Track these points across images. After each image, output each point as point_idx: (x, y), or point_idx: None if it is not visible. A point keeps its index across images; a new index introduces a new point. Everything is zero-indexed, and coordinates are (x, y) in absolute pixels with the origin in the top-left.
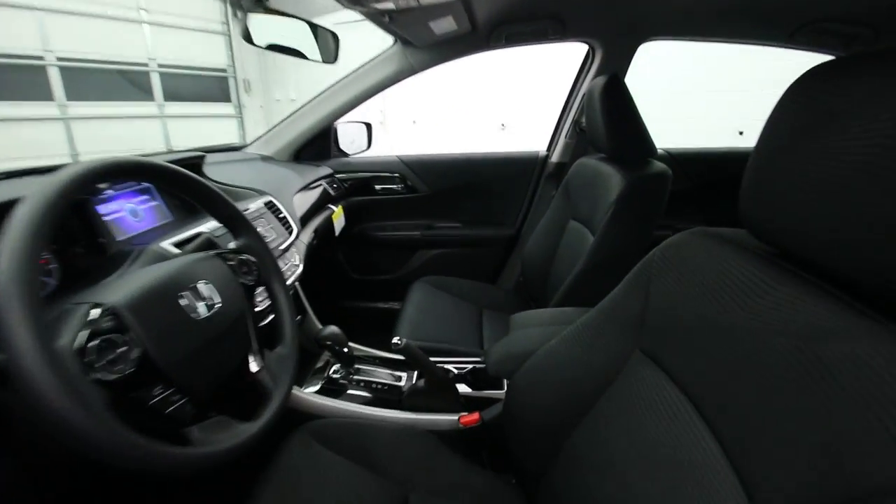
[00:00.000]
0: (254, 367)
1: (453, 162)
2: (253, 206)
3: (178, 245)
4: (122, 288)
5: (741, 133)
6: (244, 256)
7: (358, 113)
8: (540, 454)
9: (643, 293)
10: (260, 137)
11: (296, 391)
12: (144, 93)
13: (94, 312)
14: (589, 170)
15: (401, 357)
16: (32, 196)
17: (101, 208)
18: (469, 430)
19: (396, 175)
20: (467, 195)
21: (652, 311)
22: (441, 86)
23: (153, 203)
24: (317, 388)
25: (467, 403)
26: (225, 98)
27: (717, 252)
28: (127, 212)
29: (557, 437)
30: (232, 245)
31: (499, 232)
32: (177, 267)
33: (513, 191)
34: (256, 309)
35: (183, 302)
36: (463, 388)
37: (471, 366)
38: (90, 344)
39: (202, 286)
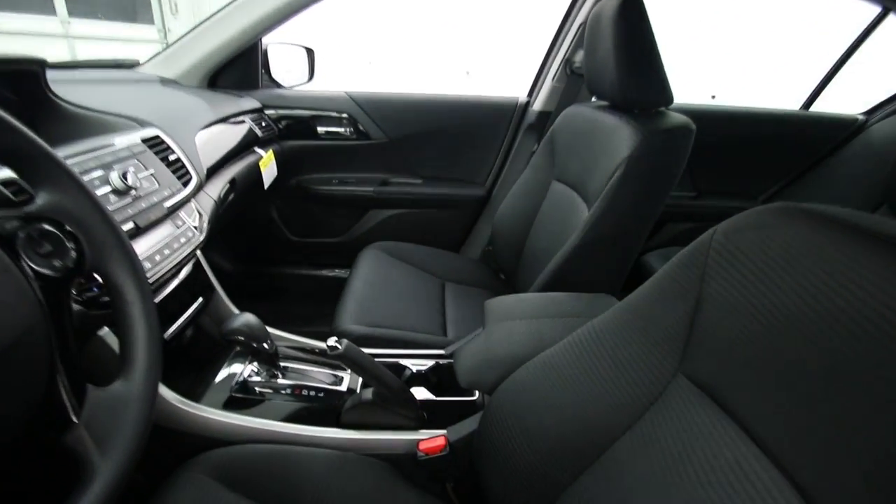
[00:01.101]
0: (72, 412)
1: (415, 104)
2: (122, 142)
3: None
4: None
5: (713, 97)
6: (48, 225)
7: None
8: (528, 499)
9: (692, 295)
10: (159, 53)
11: (190, 408)
12: (42, 4)
13: None
14: (582, 120)
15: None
16: None
17: None
18: (433, 460)
19: (345, 116)
20: (430, 146)
21: (705, 321)
22: (402, 26)
23: None
24: (223, 400)
25: (428, 413)
26: (147, 20)
27: (831, 243)
28: None
29: (556, 482)
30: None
31: (466, 192)
32: None
33: (485, 143)
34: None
35: None
36: (422, 392)
37: (432, 361)
38: None
39: None
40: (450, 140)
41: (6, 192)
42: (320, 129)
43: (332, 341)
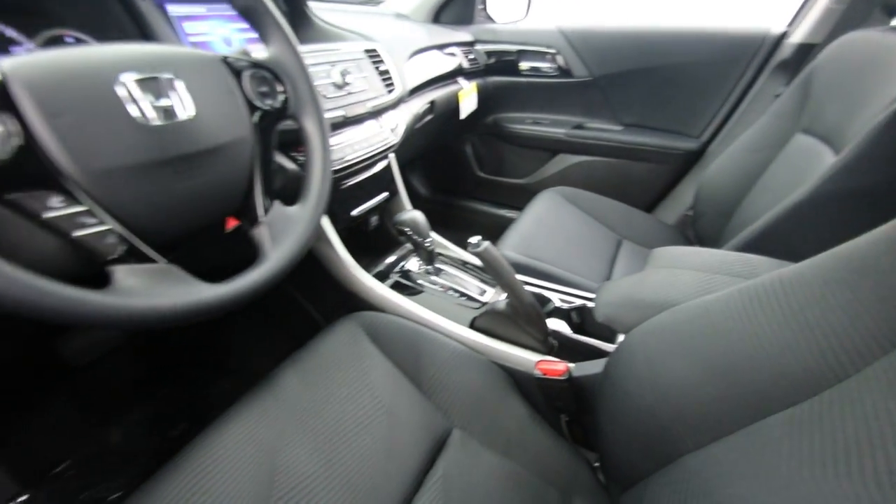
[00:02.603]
0: (261, 213)
1: (631, 38)
2: (347, 47)
3: None
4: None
5: None
6: (265, 72)
7: None
8: (639, 454)
9: None
10: None
11: (362, 276)
12: None
13: None
14: (861, 49)
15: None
16: None
17: (189, 25)
18: (549, 382)
19: (551, 51)
20: (638, 87)
21: None
22: None
23: (254, 35)
24: (387, 278)
25: (560, 348)
26: None
27: None
28: (218, 38)
29: (679, 442)
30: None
31: (674, 144)
32: (133, 47)
33: (709, 86)
34: (298, 159)
35: (121, 92)
36: (560, 325)
37: (581, 302)
38: None
39: (166, 81)
40: (664, 81)
41: (248, 49)
42: (524, 66)
43: (475, 239)
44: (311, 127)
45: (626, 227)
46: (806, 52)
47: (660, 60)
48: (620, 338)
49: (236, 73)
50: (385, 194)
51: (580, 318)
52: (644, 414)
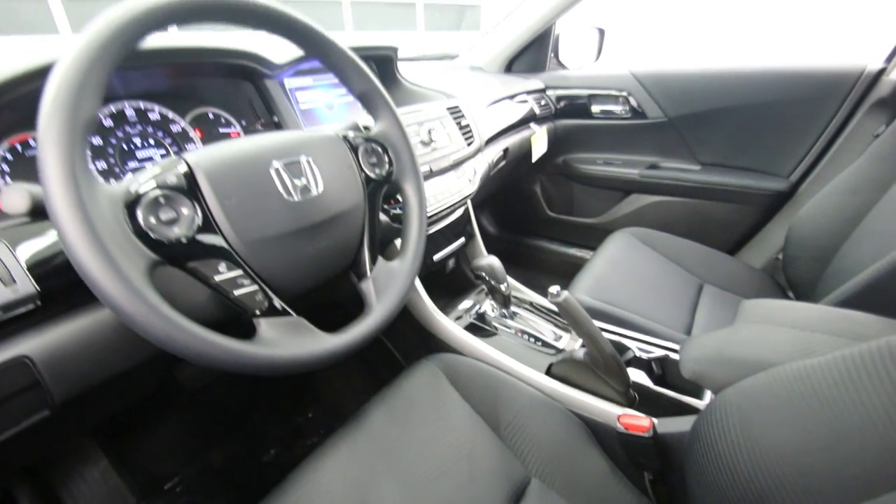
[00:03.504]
0: (368, 268)
1: (709, 79)
2: (431, 108)
3: None
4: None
5: None
6: (376, 145)
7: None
8: None
9: None
10: (473, 47)
11: (442, 318)
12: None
13: (179, 166)
14: None
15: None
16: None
17: (300, 94)
18: (632, 438)
19: (623, 94)
20: (718, 127)
21: None
22: None
23: (350, 99)
24: (464, 321)
25: (641, 401)
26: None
27: None
28: (322, 104)
29: None
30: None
31: (760, 184)
32: (279, 136)
33: (798, 125)
34: (391, 212)
35: (273, 175)
36: (639, 376)
37: (662, 352)
38: (152, 195)
39: (304, 163)
40: (746, 120)
41: (360, 124)
42: (595, 108)
43: (555, 289)
44: (410, 191)
45: (707, 270)
46: None
47: (740, 100)
48: (708, 395)
49: (354, 148)
50: (462, 240)
51: (661, 370)
52: (738, 480)
